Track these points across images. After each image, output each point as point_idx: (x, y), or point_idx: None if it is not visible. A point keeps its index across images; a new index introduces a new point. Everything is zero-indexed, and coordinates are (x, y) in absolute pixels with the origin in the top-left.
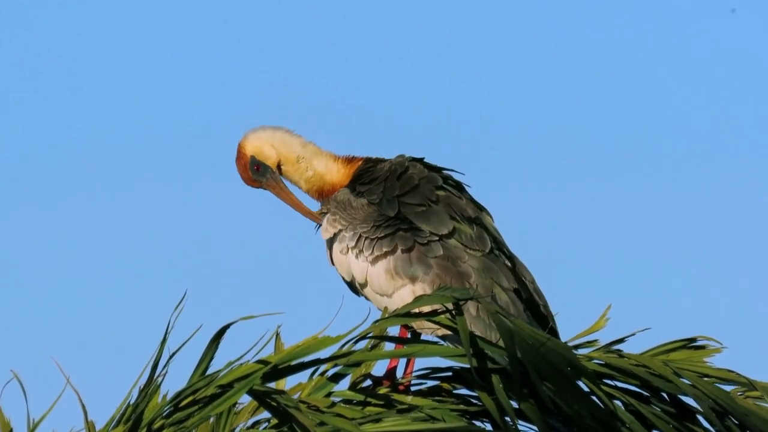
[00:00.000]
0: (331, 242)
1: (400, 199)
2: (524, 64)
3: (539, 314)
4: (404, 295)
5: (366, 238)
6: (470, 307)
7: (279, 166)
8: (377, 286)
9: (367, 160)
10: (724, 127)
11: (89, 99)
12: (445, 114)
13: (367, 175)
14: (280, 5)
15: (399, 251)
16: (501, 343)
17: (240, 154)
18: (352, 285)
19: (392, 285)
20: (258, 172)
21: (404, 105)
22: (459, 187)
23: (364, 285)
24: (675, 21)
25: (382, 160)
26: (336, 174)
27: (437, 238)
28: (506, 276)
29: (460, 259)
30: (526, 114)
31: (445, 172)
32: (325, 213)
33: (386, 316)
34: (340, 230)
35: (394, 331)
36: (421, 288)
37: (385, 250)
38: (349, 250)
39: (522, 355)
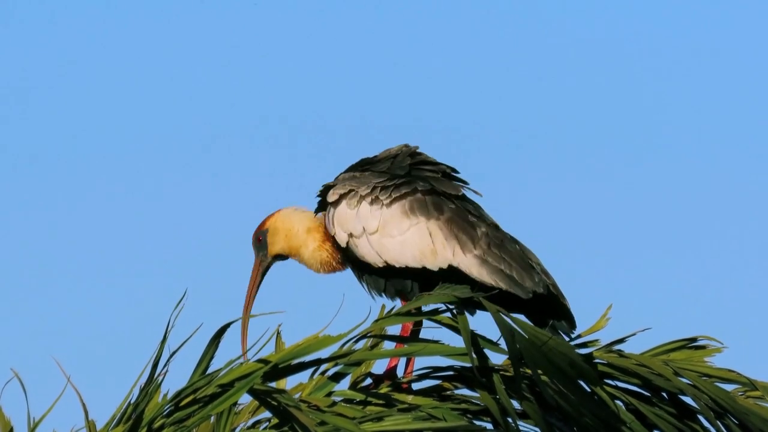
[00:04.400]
0: (336, 203)
1: (412, 166)
2: (528, 61)
3: (550, 293)
4: (418, 231)
5: (382, 187)
6: (476, 248)
7: (279, 255)
8: (389, 229)
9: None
10: (724, 127)
11: (91, 98)
12: (445, 112)
13: (369, 159)
14: (274, 5)
15: (418, 194)
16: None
17: (263, 221)
18: (348, 249)
19: (406, 223)
20: (257, 244)
21: (399, 104)
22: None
23: (373, 232)
24: (674, 20)
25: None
26: (307, 220)
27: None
28: (512, 239)
29: (471, 216)
30: (524, 113)
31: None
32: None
33: (383, 316)
34: (351, 189)
35: (392, 330)
36: (435, 225)
37: (404, 191)
38: (362, 200)
39: (523, 353)
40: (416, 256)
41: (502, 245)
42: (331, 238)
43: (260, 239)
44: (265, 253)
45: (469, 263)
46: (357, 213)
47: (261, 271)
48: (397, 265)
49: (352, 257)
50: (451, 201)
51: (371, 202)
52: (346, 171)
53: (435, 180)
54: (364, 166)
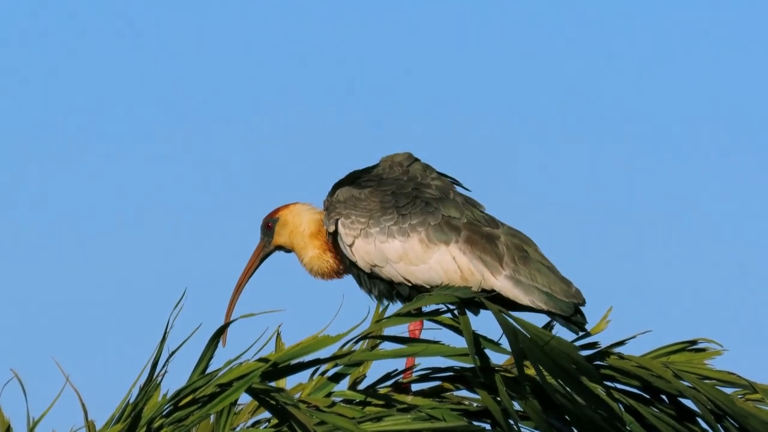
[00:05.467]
0: (353, 243)
1: (415, 189)
2: (527, 59)
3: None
4: (441, 258)
5: (394, 224)
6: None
7: (281, 246)
8: (414, 258)
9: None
10: (724, 127)
11: (89, 95)
12: (445, 109)
13: (372, 172)
14: (275, 3)
15: (429, 223)
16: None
17: (277, 209)
18: (372, 275)
19: (429, 252)
20: (265, 229)
21: (398, 104)
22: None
23: (397, 262)
24: (674, 21)
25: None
26: (314, 223)
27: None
28: (530, 241)
29: (483, 227)
30: (524, 110)
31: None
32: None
33: (384, 316)
34: (362, 229)
35: (390, 331)
36: (456, 248)
37: (417, 226)
38: (376, 237)
39: (526, 353)
40: (444, 279)
41: (526, 261)
42: (332, 249)
43: (269, 225)
44: (270, 240)
45: (501, 285)
46: (375, 247)
47: (261, 255)
48: (427, 286)
49: (377, 277)
50: (462, 216)
51: (389, 240)
52: (345, 182)
53: (439, 201)
54: (365, 180)
